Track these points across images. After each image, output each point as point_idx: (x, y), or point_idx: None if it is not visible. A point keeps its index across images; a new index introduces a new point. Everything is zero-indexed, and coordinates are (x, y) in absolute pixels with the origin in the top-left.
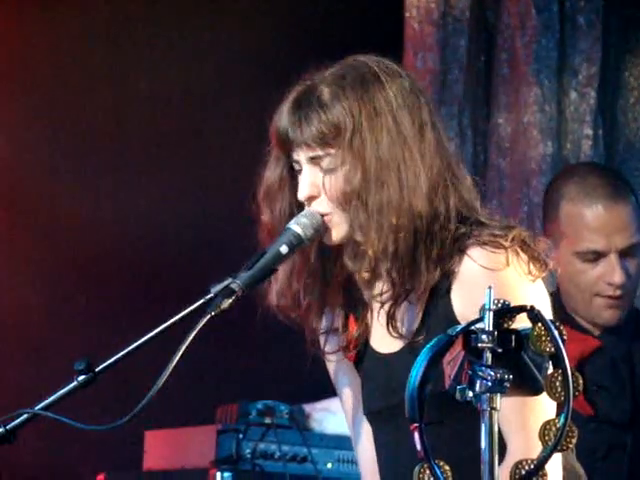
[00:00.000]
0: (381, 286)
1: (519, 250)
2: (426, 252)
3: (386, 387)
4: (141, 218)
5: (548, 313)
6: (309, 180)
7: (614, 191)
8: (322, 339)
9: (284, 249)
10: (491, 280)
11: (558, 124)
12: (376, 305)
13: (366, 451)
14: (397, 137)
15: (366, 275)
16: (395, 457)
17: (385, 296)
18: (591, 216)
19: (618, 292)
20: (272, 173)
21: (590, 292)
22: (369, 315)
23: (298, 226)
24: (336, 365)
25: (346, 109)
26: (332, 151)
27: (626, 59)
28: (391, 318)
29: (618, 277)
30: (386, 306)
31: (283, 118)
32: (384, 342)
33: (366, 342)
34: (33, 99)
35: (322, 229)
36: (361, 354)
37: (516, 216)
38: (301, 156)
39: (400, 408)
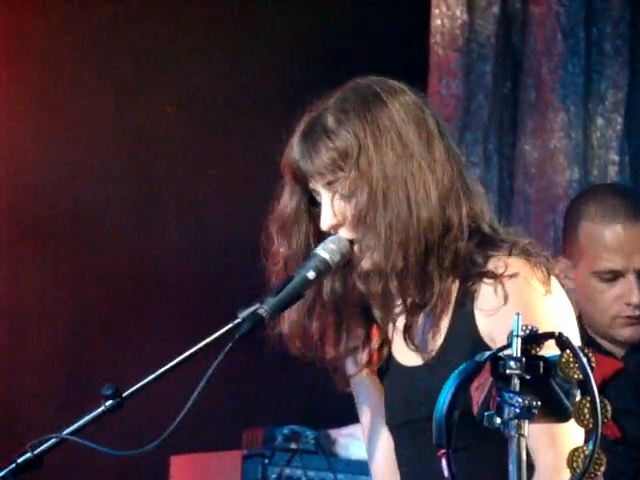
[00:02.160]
0: (395, 302)
1: (526, 264)
2: (438, 263)
3: (408, 401)
4: (169, 240)
5: (573, 325)
6: (329, 208)
7: (633, 211)
8: (344, 365)
9: (311, 274)
10: (514, 301)
11: (584, 150)
12: (396, 317)
13: (379, 462)
14: (403, 152)
15: (379, 295)
16: (415, 471)
17: (398, 310)
18: (609, 236)
19: (637, 312)
20: (287, 205)
21: (609, 312)
22: (390, 327)
23: (325, 252)
24: (357, 378)
25: (351, 132)
26: (343, 175)
27: None
28: (407, 331)
29: (636, 297)
30: (401, 319)
31: (293, 151)
32: (407, 355)
33: (389, 353)
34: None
35: (350, 255)
36: (385, 365)
37: (543, 242)
38: (317, 185)
39: (420, 423)
